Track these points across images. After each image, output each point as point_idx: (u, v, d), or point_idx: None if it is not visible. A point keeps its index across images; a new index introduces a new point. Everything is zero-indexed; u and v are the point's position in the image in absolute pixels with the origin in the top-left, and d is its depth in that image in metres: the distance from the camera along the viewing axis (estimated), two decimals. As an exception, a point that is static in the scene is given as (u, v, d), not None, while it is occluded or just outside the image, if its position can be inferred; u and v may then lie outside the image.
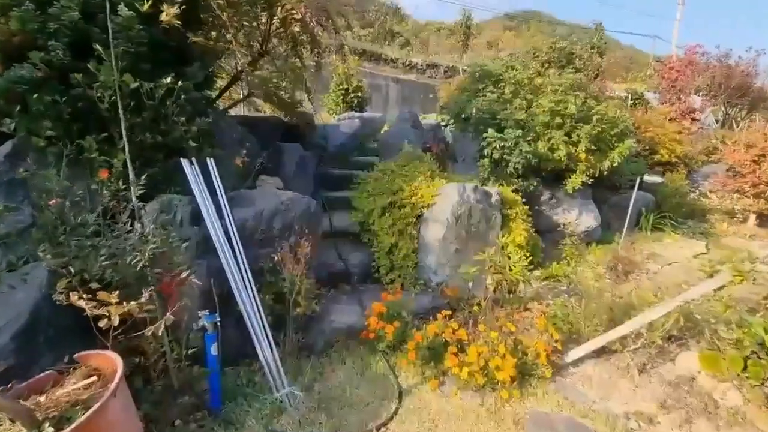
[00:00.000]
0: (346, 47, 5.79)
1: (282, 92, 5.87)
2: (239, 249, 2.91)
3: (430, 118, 8.33)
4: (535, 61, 6.15)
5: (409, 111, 6.56)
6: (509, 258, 4.24)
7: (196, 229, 2.86)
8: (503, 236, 4.72)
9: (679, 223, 7.37)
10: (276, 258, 3.03)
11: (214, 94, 4.22)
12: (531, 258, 4.90)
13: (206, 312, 2.59)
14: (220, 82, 4.71)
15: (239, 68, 4.42)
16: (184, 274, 2.28)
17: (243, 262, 2.90)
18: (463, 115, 5.76)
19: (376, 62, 15.72)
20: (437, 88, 11.03)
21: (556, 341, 3.13)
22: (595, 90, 5.79)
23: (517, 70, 5.56)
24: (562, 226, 5.78)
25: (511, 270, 3.90)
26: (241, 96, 5.35)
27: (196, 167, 2.97)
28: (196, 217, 2.90)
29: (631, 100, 9.34)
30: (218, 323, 2.64)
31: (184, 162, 2.93)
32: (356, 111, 8.64)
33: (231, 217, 2.97)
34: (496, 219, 4.66)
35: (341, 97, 8.85)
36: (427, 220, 4.39)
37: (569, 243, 5.38)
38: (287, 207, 3.27)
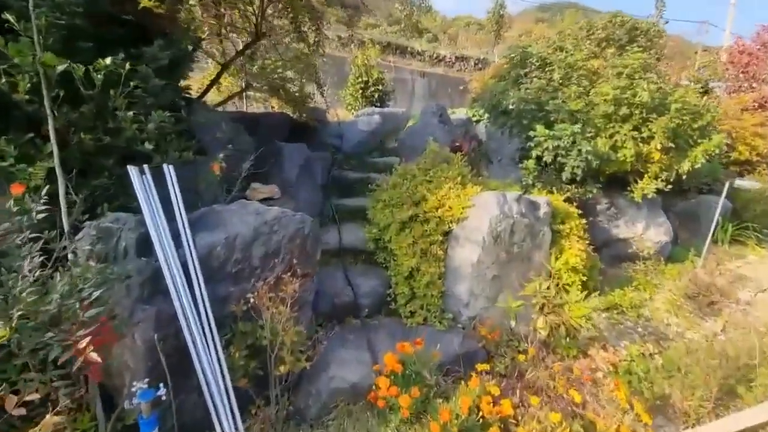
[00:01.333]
0: (360, 30, 4.96)
1: (290, 85, 5.14)
2: (201, 288, 2.15)
3: (460, 113, 7.40)
4: (590, 41, 5.11)
5: (437, 104, 5.68)
6: (566, 291, 3.29)
7: (144, 263, 2.12)
8: (554, 257, 3.77)
9: (764, 236, 6.07)
10: (252, 299, 2.25)
11: (195, 85, 3.51)
12: (586, 283, 3.94)
13: (144, 384, 1.84)
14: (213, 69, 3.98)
15: (230, 53, 3.67)
16: (80, 342, 1.52)
17: (205, 307, 2.14)
18: (500, 108, 4.81)
19: (402, 55, 14.81)
20: (468, 80, 10.02)
21: (646, 425, 2.18)
22: (667, 74, 4.67)
23: (567, 51, 4.54)
24: (625, 242, 4.72)
25: (568, 308, 2.96)
26: (242, 89, 4.62)
27: (148, 177, 2.23)
28: (146, 246, 2.16)
29: (700, 88, 7.98)
30: (164, 396, 1.89)
31: (132, 170, 2.20)
32: (377, 106, 7.81)
33: (192, 245, 2.21)
34: (544, 236, 3.71)
35: (360, 92, 8.01)
36: (457, 239, 3.50)
37: (636, 264, 4.34)
38: (272, 228, 2.48)
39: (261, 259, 2.43)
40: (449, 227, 3.54)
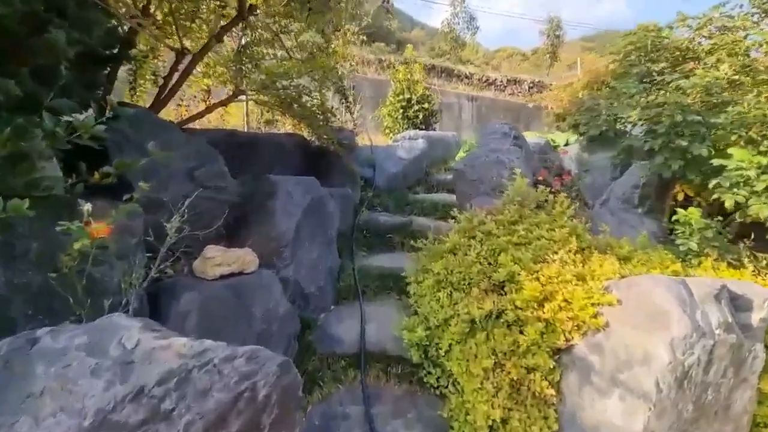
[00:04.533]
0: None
1: (307, 97, 3.78)
2: None
3: (529, 138, 5.75)
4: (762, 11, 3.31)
5: (507, 123, 4.11)
6: None
7: None
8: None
9: None
10: None
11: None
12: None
13: None
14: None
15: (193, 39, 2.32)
16: None
17: None
18: (605, 126, 3.13)
19: (448, 78, 13.45)
20: (529, 101, 8.27)
21: None
22: None
23: (743, 30, 2.83)
24: None
25: None
26: (228, 98, 3.26)
27: None
28: None
29: None
30: None
31: None
32: (421, 128, 6.31)
33: None
34: (754, 363, 1.89)
35: (401, 111, 6.54)
36: (587, 367, 1.78)
37: None
38: (154, 408, 0.92)
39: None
40: (567, 339, 1.83)
